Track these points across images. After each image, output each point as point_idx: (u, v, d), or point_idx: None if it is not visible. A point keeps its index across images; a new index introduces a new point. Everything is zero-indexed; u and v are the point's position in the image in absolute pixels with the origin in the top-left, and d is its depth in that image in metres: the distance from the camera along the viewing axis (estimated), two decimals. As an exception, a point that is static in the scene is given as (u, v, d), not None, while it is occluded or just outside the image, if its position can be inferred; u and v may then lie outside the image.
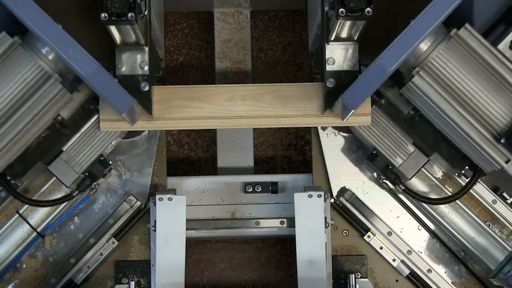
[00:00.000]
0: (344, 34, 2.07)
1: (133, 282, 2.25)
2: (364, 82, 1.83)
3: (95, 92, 2.01)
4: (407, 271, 2.34)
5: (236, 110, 2.18)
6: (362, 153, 2.31)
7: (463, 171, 2.10)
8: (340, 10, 1.87)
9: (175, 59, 2.92)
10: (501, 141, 1.83)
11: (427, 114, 1.96)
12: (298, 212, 2.18)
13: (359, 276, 2.32)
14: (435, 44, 1.87)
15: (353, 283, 2.26)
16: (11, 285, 2.30)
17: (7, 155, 1.92)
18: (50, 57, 1.91)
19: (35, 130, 1.95)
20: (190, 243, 2.67)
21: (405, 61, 1.82)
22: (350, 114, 2.00)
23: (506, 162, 1.84)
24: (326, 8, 2.06)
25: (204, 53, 2.92)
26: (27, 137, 1.94)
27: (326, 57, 2.14)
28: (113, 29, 1.97)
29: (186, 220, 2.19)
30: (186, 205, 2.18)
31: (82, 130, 2.11)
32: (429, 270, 2.32)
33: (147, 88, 2.13)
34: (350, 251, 2.35)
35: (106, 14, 1.84)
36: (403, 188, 2.18)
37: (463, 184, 2.24)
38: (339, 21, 1.93)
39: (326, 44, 2.13)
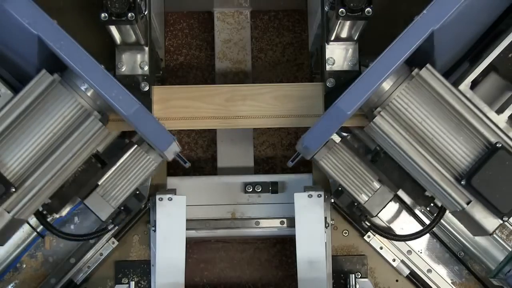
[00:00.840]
0: (344, 34, 2.07)
1: (133, 282, 2.24)
2: (323, 125, 1.81)
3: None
4: (407, 271, 2.34)
5: (236, 110, 2.18)
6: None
7: (428, 208, 2.09)
8: (340, 10, 1.87)
9: (175, 59, 2.91)
10: (462, 182, 1.82)
11: (390, 152, 1.95)
12: (298, 212, 2.17)
13: (359, 276, 2.32)
14: (397, 84, 1.86)
15: (353, 283, 2.26)
16: (11, 285, 2.30)
17: (46, 192, 1.90)
18: (89, 93, 1.90)
19: (73, 167, 1.93)
20: (190, 243, 2.67)
21: (367, 100, 1.82)
22: (313, 154, 1.99)
23: (467, 203, 1.83)
24: (326, 8, 2.06)
25: (204, 53, 2.92)
26: (66, 174, 1.92)
27: (326, 57, 2.14)
28: (113, 29, 1.97)
29: (186, 220, 2.19)
30: (186, 205, 2.18)
31: (118, 163, 2.05)
32: (429, 270, 2.32)
33: (147, 88, 2.13)
34: (350, 251, 2.35)
35: (106, 14, 1.85)
36: (368, 224, 2.15)
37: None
38: (339, 21, 1.94)
39: (326, 44, 2.13)
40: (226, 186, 2.43)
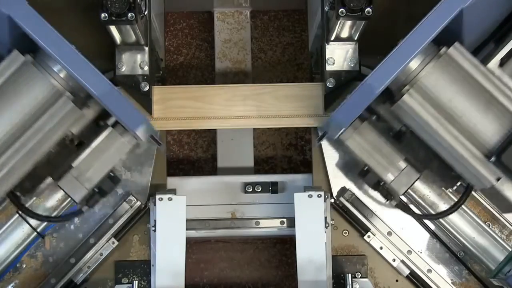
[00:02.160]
0: (344, 34, 2.07)
1: (136, 281, 2.25)
2: (353, 102, 1.84)
3: (105, 109, 1.99)
4: (407, 271, 2.34)
5: (236, 110, 2.18)
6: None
7: (454, 188, 2.10)
8: (340, 10, 1.87)
9: (175, 59, 2.92)
10: (491, 159, 1.83)
11: (417, 132, 1.96)
12: (298, 212, 2.17)
13: (359, 276, 2.32)
14: (425, 63, 1.87)
15: (350, 282, 2.26)
16: (11, 285, 2.30)
17: (17, 172, 1.91)
18: (62, 75, 1.91)
19: (46, 147, 1.93)
20: (190, 243, 2.67)
21: (395, 79, 1.83)
22: (340, 132, 2.00)
23: (497, 180, 1.84)
24: (326, 8, 2.06)
25: (204, 53, 2.92)
26: (38, 155, 1.92)
27: (326, 57, 2.14)
28: (113, 29, 1.97)
29: (186, 220, 2.19)
30: (186, 205, 2.18)
31: (92, 146, 2.07)
32: (429, 270, 2.32)
33: (147, 88, 2.14)
34: (350, 251, 2.35)
35: (106, 14, 1.85)
36: (395, 204, 2.16)
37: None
38: (339, 21, 1.94)
39: (326, 44, 2.13)
40: (226, 186, 2.43)
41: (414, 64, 1.87)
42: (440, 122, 1.86)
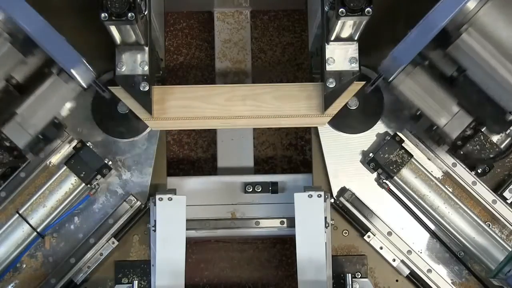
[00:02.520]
0: (344, 34, 2.08)
1: (136, 281, 2.25)
2: (415, 37, 1.84)
3: (49, 56, 1.98)
4: (407, 271, 2.34)
5: (236, 110, 2.18)
6: (362, 153, 2.31)
7: (508, 132, 2.09)
8: (340, 10, 1.87)
9: (175, 59, 2.92)
10: None
11: (473, 72, 1.96)
12: (298, 212, 2.17)
13: (359, 276, 2.32)
14: (482, 3, 1.88)
15: (350, 282, 2.26)
16: (11, 285, 2.30)
17: None
18: (0, 17, 1.91)
19: None
20: (190, 243, 2.67)
21: (452, 19, 1.83)
22: (398, 71, 2.00)
23: None
24: (326, 8, 2.06)
25: (204, 53, 2.92)
26: None
27: (326, 57, 2.14)
28: (113, 29, 1.97)
29: (186, 220, 2.19)
30: (186, 205, 2.18)
31: (37, 93, 2.07)
32: (429, 270, 2.32)
33: (147, 88, 2.14)
34: (350, 251, 2.35)
35: (106, 14, 1.85)
36: (446, 149, 2.17)
37: (462, 183, 2.25)
38: (339, 21, 1.94)
39: (326, 44, 2.13)
40: (226, 186, 2.43)
41: (471, 4, 1.87)
42: (498, 60, 1.88)
